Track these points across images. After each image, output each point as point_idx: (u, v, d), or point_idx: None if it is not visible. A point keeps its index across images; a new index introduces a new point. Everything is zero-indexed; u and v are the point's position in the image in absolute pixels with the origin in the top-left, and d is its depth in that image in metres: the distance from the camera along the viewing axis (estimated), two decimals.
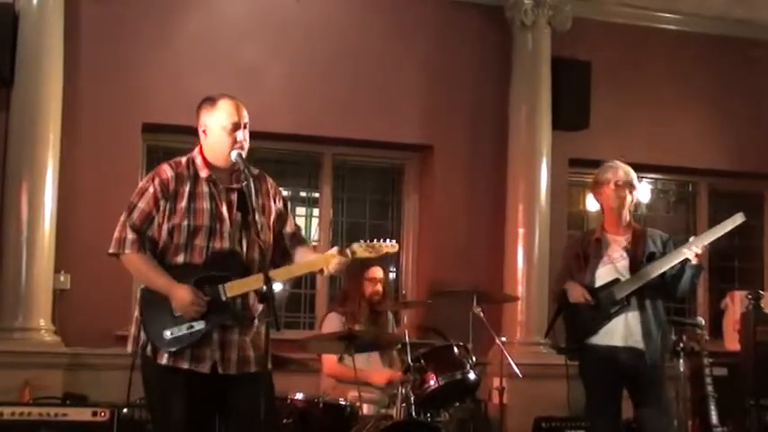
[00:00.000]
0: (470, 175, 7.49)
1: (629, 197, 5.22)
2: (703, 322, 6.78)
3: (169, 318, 3.75)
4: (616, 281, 5.10)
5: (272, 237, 3.95)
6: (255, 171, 3.95)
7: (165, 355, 3.75)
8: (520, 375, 5.87)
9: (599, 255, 5.18)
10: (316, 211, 7.55)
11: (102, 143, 6.67)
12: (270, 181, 4.04)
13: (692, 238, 5.08)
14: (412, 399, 5.23)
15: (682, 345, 6.16)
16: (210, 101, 3.92)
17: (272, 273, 3.75)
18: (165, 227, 3.81)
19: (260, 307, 3.87)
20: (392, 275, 7.54)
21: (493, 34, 7.53)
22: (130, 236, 3.81)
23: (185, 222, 3.79)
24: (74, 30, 6.62)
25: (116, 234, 3.84)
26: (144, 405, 5.59)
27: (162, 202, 3.81)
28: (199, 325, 3.75)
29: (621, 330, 5.07)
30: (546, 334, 6.00)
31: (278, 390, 4.12)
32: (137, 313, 3.87)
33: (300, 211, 7.56)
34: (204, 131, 3.90)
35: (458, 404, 5.74)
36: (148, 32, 6.83)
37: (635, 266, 5.10)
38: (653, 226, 5.54)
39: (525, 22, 7.35)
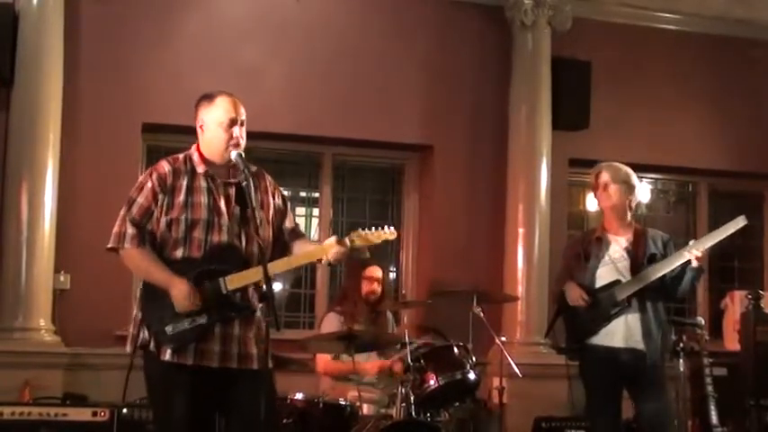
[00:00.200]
0: (470, 175, 7.49)
1: (628, 197, 5.21)
2: (703, 322, 6.78)
3: (171, 312, 3.76)
4: (617, 282, 5.10)
5: (271, 232, 3.96)
6: (254, 168, 3.97)
7: (169, 351, 3.76)
8: (520, 375, 5.87)
9: (600, 255, 5.18)
10: (316, 211, 7.55)
11: (102, 143, 6.67)
12: (268, 178, 4.05)
13: (691, 242, 5.07)
14: (412, 399, 5.23)
15: (682, 345, 6.17)
16: (208, 97, 3.95)
17: (272, 264, 3.77)
18: (163, 220, 3.83)
19: (260, 306, 3.88)
20: (392, 275, 7.55)
21: (493, 34, 7.53)
22: (130, 230, 3.82)
23: (183, 216, 3.81)
24: (74, 30, 6.62)
25: (115, 229, 3.86)
26: (144, 405, 5.60)
27: (160, 197, 3.83)
28: (201, 319, 3.76)
29: (622, 331, 5.07)
30: (546, 334, 6.01)
31: (278, 390, 4.12)
32: (135, 313, 3.88)
33: (300, 211, 7.56)
34: (201, 127, 3.93)
35: (458, 404, 5.75)
36: (148, 32, 6.83)
37: (636, 267, 5.09)
38: (653, 226, 5.54)
39: (525, 22, 7.35)
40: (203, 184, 3.87)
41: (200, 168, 3.89)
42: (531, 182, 7.31)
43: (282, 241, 4.03)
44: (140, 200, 3.84)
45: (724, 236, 5.06)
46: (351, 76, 7.23)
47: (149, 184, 3.85)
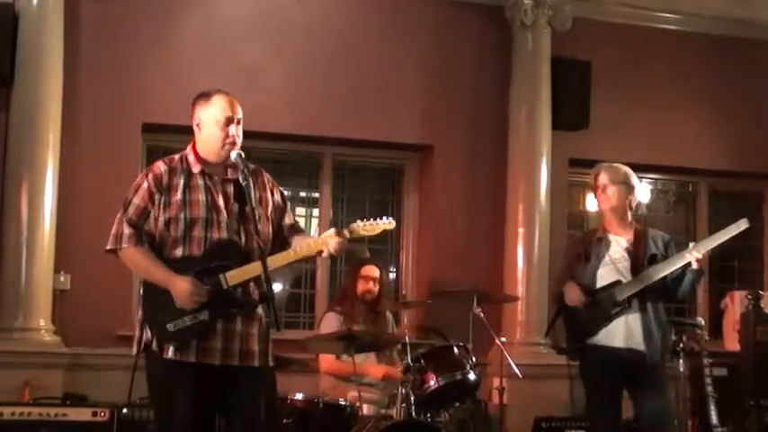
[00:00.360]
0: (470, 175, 7.49)
1: (628, 198, 5.20)
2: (703, 322, 6.79)
3: (171, 310, 3.76)
4: (617, 282, 5.09)
5: (270, 229, 3.96)
6: (252, 166, 3.97)
7: (171, 349, 3.76)
8: (520, 375, 5.86)
9: (600, 255, 5.17)
10: (316, 211, 7.55)
11: (102, 143, 6.67)
12: (266, 175, 4.06)
13: (692, 244, 5.06)
14: (412, 399, 5.23)
15: (682, 345, 6.17)
16: (205, 95, 3.96)
17: (271, 259, 3.78)
18: (161, 219, 3.83)
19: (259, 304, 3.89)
20: (392, 275, 7.55)
21: (493, 34, 7.53)
22: (127, 230, 3.83)
23: (182, 215, 3.81)
24: (74, 30, 6.62)
25: (113, 230, 3.87)
26: (144, 405, 5.60)
27: (157, 196, 3.84)
28: (202, 315, 3.76)
29: (622, 331, 5.06)
30: (546, 333, 6.01)
31: (278, 390, 4.12)
32: (139, 314, 3.88)
33: (300, 211, 7.56)
34: (198, 125, 3.93)
35: (458, 404, 5.75)
36: (148, 32, 6.83)
37: (636, 268, 5.08)
38: (653, 226, 5.54)
39: (525, 22, 7.35)
40: (200, 182, 3.87)
41: (196, 168, 3.90)
42: (531, 182, 7.31)
43: (282, 238, 4.03)
44: (136, 200, 3.85)
45: (725, 238, 5.04)
46: (351, 76, 7.23)
47: (145, 185, 3.86)
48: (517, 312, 7.19)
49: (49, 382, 6.14)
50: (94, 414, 5.78)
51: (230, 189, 3.90)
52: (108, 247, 3.88)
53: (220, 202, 3.86)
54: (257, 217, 3.81)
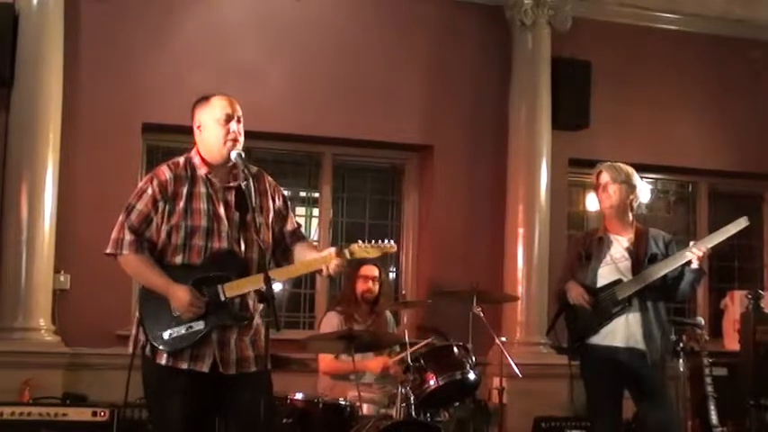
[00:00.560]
0: (470, 175, 7.49)
1: (629, 197, 5.20)
2: (703, 322, 6.79)
3: (168, 318, 3.76)
4: (618, 281, 5.09)
5: (270, 236, 3.95)
6: (254, 169, 3.96)
7: (165, 356, 3.75)
8: (519, 375, 5.87)
9: (601, 254, 5.17)
10: (316, 211, 7.55)
11: (102, 143, 6.67)
12: (269, 179, 4.04)
13: (692, 242, 5.06)
14: (412, 399, 5.24)
15: (682, 345, 6.16)
16: (205, 98, 3.96)
17: (271, 273, 3.75)
18: (164, 228, 3.81)
19: (260, 306, 3.87)
20: (392, 275, 7.55)
21: (493, 34, 7.53)
22: (128, 237, 3.81)
23: (183, 223, 3.80)
24: (74, 30, 6.61)
25: (114, 235, 3.85)
26: (144, 405, 5.60)
27: (161, 204, 3.81)
28: (198, 325, 3.75)
29: (623, 331, 5.06)
30: (547, 333, 5.99)
31: (278, 390, 4.13)
32: (137, 314, 3.88)
33: (300, 211, 7.56)
34: (198, 127, 3.92)
35: (457, 404, 5.74)
36: (148, 32, 6.83)
37: (637, 267, 5.09)
38: (653, 226, 5.53)
39: (525, 22, 7.35)
40: (203, 189, 3.85)
41: (202, 170, 3.87)
42: (531, 182, 7.31)
43: (284, 245, 4.02)
44: (140, 206, 3.82)
45: (726, 236, 5.04)
46: (351, 75, 7.23)
47: (150, 191, 3.82)
48: (517, 312, 7.19)
49: (48, 382, 6.13)
50: (94, 414, 5.79)
51: (231, 197, 3.88)
52: (108, 251, 3.86)
53: (221, 210, 3.84)
54: (258, 225, 3.79)
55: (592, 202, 7.89)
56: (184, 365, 3.74)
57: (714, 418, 6.50)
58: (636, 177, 5.24)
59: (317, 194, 7.52)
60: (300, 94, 7.11)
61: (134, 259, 3.82)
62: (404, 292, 7.19)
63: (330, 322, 6.02)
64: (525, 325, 7.19)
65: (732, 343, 7.53)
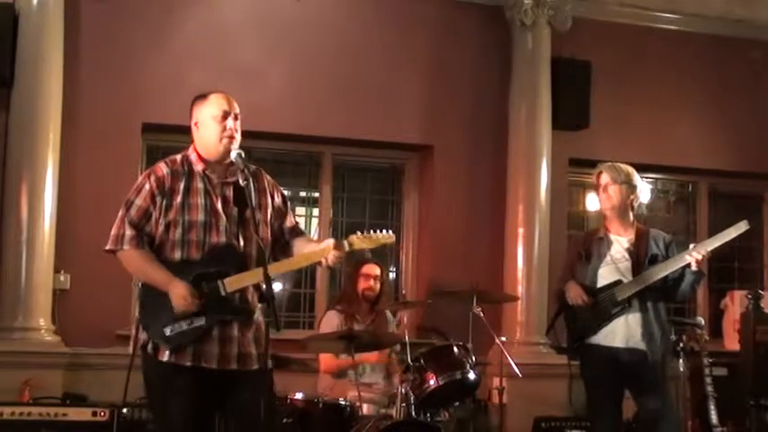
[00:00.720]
0: (470, 175, 7.49)
1: (629, 198, 5.20)
2: (703, 322, 6.79)
3: (169, 314, 3.76)
4: (618, 282, 5.09)
5: (269, 233, 3.96)
6: (252, 167, 3.96)
7: (167, 353, 3.76)
8: (519, 375, 5.87)
9: (601, 255, 5.17)
10: (316, 211, 7.55)
11: (102, 143, 6.67)
12: (267, 177, 4.06)
13: (693, 245, 5.05)
14: (412, 399, 5.24)
15: (682, 345, 6.17)
16: (202, 96, 3.99)
17: (271, 266, 3.77)
18: (161, 222, 3.83)
19: (259, 304, 3.89)
20: (392, 275, 7.55)
21: (493, 34, 7.53)
22: (129, 232, 3.83)
23: (180, 218, 3.82)
24: (74, 30, 6.61)
25: (113, 231, 3.86)
26: (144, 405, 5.60)
27: (158, 198, 3.83)
28: (199, 321, 3.76)
29: (623, 331, 5.06)
30: (547, 332, 5.99)
31: (278, 390, 4.12)
32: (137, 314, 3.88)
33: (300, 211, 7.56)
34: (196, 124, 3.95)
35: (458, 404, 5.74)
36: (148, 32, 6.82)
37: (637, 268, 5.08)
38: (653, 226, 5.53)
39: (525, 22, 7.35)
40: (200, 185, 3.87)
41: (199, 167, 3.89)
42: (531, 182, 7.31)
43: (283, 242, 4.03)
44: (138, 201, 3.84)
45: (726, 240, 5.04)
46: (351, 75, 7.22)
47: (147, 186, 3.85)
48: (517, 312, 7.19)
49: (49, 382, 6.13)
50: (94, 414, 5.79)
51: (229, 192, 3.90)
52: (108, 247, 3.88)
53: (219, 205, 3.86)
54: (257, 221, 3.80)
55: (592, 202, 7.89)
56: (188, 362, 3.74)
57: (714, 418, 6.50)
58: (636, 178, 5.23)
59: (317, 194, 7.52)
60: (300, 94, 7.11)
61: (135, 254, 3.84)
62: (404, 292, 7.19)
63: (330, 321, 6.03)
64: (525, 325, 7.19)
65: (732, 343, 7.53)
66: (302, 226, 4.36)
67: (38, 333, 6.30)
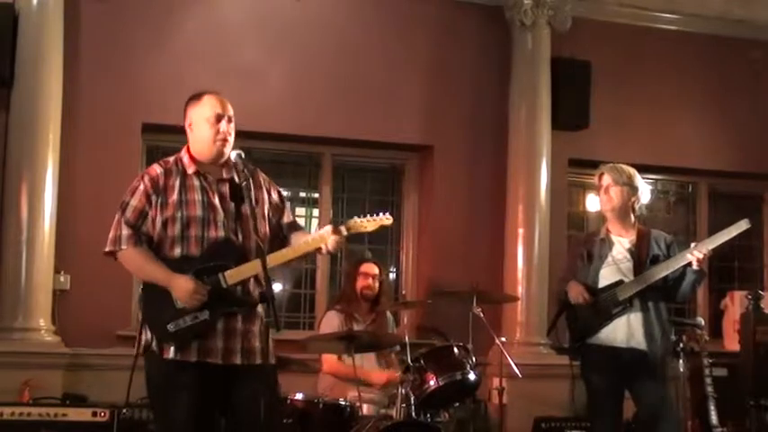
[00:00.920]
0: (470, 175, 7.49)
1: (631, 199, 5.19)
2: (703, 322, 6.78)
3: (172, 311, 3.77)
4: (619, 282, 5.09)
5: (267, 228, 3.98)
6: (250, 167, 3.99)
7: (172, 350, 3.76)
8: (519, 375, 5.87)
9: (603, 255, 5.17)
10: (315, 212, 7.55)
11: (102, 143, 6.67)
12: (262, 175, 4.09)
13: (693, 244, 5.05)
14: (412, 399, 5.23)
15: (682, 345, 6.17)
16: (196, 96, 4.01)
17: (269, 257, 3.79)
18: (158, 220, 3.85)
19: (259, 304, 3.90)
20: (392, 275, 7.55)
21: (493, 34, 7.53)
22: (126, 232, 3.85)
23: (178, 214, 3.84)
24: (74, 30, 6.61)
25: (111, 233, 3.89)
26: (144, 405, 5.60)
27: (153, 197, 3.87)
28: (203, 315, 3.77)
29: (624, 331, 5.06)
30: (548, 333, 5.99)
31: (278, 389, 4.11)
32: (140, 316, 3.89)
33: (300, 211, 7.56)
34: (190, 126, 3.98)
35: (458, 404, 5.74)
36: (148, 32, 6.82)
37: (639, 269, 5.08)
38: (653, 226, 5.53)
39: (525, 23, 7.35)
40: (196, 182, 3.90)
41: (191, 169, 3.93)
42: (530, 182, 7.31)
43: (281, 237, 4.05)
44: (134, 202, 3.87)
45: (727, 238, 5.04)
46: (351, 75, 7.22)
47: (141, 187, 3.89)
48: (517, 312, 7.19)
49: (48, 383, 6.13)
50: (94, 414, 5.78)
51: (226, 189, 3.93)
52: (107, 249, 3.90)
53: (216, 201, 3.89)
54: (255, 216, 3.81)
55: (592, 203, 7.89)
56: (193, 358, 3.75)
57: (714, 418, 6.50)
58: (638, 179, 5.22)
59: (316, 195, 7.52)
60: (300, 94, 7.11)
61: (134, 253, 3.85)
62: (404, 292, 7.19)
63: (330, 321, 6.02)
64: (525, 325, 7.19)
65: (732, 343, 7.53)
66: (301, 224, 4.38)
67: (38, 333, 6.30)
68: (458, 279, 6.81)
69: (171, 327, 3.76)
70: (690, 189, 8.39)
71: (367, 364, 5.82)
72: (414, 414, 5.22)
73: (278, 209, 4.07)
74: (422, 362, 5.36)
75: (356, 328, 5.80)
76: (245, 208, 3.84)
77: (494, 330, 6.08)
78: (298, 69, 7.11)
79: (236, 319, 3.83)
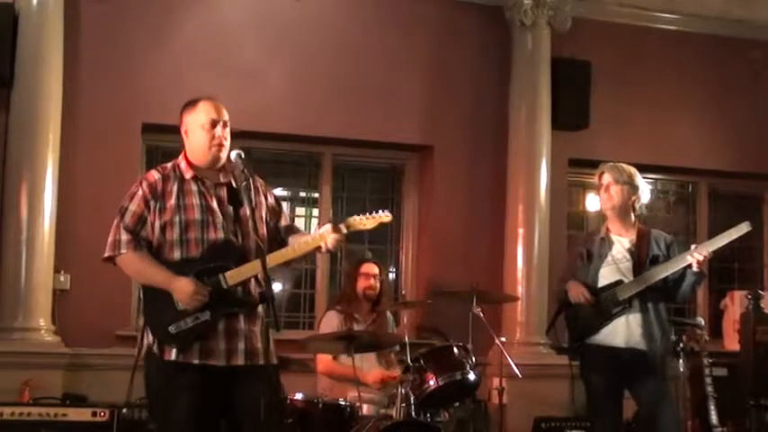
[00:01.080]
0: (470, 175, 7.49)
1: (631, 198, 5.19)
2: (703, 322, 6.79)
3: (173, 313, 3.78)
4: (619, 282, 5.09)
5: (265, 230, 3.99)
6: (250, 168, 4.00)
7: (174, 351, 3.77)
8: (519, 375, 5.87)
9: (603, 255, 5.17)
10: (315, 212, 7.55)
11: (102, 143, 6.67)
12: (259, 179, 4.10)
13: (694, 246, 5.04)
14: (412, 399, 5.23)
15: (682, 345, 6.17)
16: (192, 102, 4.03)
17: (270, 257, 3.80)
18: (157, 224, 3.87)
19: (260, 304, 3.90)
20: (392, 275, 7.55)
21: (493, 34, 7.53)
22: (125, 236, 3.86)
23: (177, 218, 3.86)
24: (74, 30, 6.61)
25: (110, 238, 3.91)
26: (144, 405, 5.60)
27: (152, 203, 3.89)
28: (204, 316, 3.78)
29: (623, 331, 5.06)
30: (547, 332, 5.98)
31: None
32: (141, 320, 3.90)
33: (300, 211, 7.56)
34: (186, 132, 4.01)
35: (458, 404, 5.74)
36: (148, 32, 6.82)
37: (638, 269, 5.08)
38: (653, 226, 5.53)
39: (525, 23, 7.35)
40: (194, 187, 3.93)
41: (189, 174, 3.95)
42: (530, 182, 7.31)
43: (279, 240, 4.06)
44: (132, 207, 3.90)
45: (727, 241, 5.03)
46: (351, 75, 7.22)
47: (140, 192, 3.91)
48: (517, 312, 7.19)
49: (48, 383, 6.13)
50: (94, 414, 5.79)
51: (223, 193, 3.95)
52: (106, 255, 3.92)
53: (214, 204, 3.91)
54: (254, 218, 3.82)
55: (592, 202, 7.89)
56: (195, 360, 3.76)
57: (714, 418, 6.50)
58: (638, 178, 5.22)
59: (316, 194, 7.52)
60: (300, 94, 7.11)
61: (133, 257, 3.87)
62: (404, 292, 7.19)
63: (330, 321, 6.02)
64: (525, 325, 7.19)
65: (732, 343, 7.53)
66: (302, 226, 4.39)
67: (38, 333, 6.30)
68: (458, 279, 6.81)
69: (172, 328, 3.77)
70: (690, 189, 8.39)
71: (367, 364, 5.82)
72: (414, 414, 5.22)
73: (275, 212, 4.09)
74: (422, 362, 5.36)
75: (356, 328, 5.80)
76: (244, 210, 3.86)
77: (494, 330, 6.08)
78: (298, 69, 7.11)
79: (238, 319, 3.84)
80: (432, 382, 5.29)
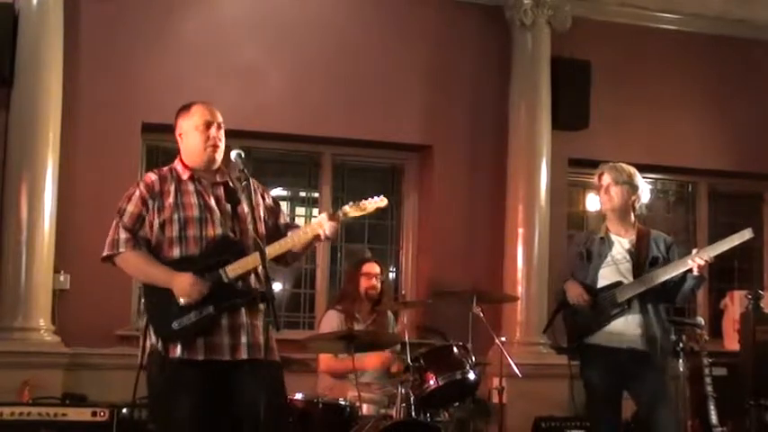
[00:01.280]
0: (470, 175, 7.49)
1: (631, 198, 5.19)
2: (703, 322, 6.78)
3: (175, 309, 3.80)
4: (619, 283, 5.08)
5: (263, 227, 4.02)
6: (249, 167, 4.03)
7: (179, 348, 3.78)
8: (519, 375, 5.87)
9: (602, 255, 5.16)
10: (316, 212, 7.54)
11: (102, 143, 6.67)
12: (254, 181, 4.10)
13: (694, 251, 5.03)
14: (412, 399, 5.23)
15: (682, 345, 6.16)
16: (186, 107, 4.12)
17: (269, 248, 3.85)
18: (156, 223, 3.91)
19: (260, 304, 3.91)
20: (392, 275, 7.55)
21: (493, 34, 7.53)
22: (123, 235, 3.90)
23: (176, 215, 3.90)
24: (74, 29, 6.61)
25: (109, 238, 3.94)
26: (144, 405, 5.59)
27: (150, 202, 3.93)
28: (207, 310, 3.80)
29: (623, 332, 5.06)
30: (545, 330, 5.97)
31: None
32: (143, 321, 3.91)
33: (300, 211, 7.56)
34: (180, 135, 4.08)
35: (458, 404, 5.74)
36: (148, 32, 6.82)
37: (638, 270, 5.07)
38: (653, 226, 5.53)
39: (525, 22, 7.35)
40: (191, 187, 3.98)
41: (186, 174, 4.00)
42: (530, 182, 7.30)
43: (278, 236, 4.07)
44: (130, 208, 3.94)
45: (729, 247, 5.01)
46: (351, 75, 7.23)
47: (137, 193, 3.96)
48: (517, 312, 7.19)
49: (48, 382, 6.13)
50: (94, 414, 5.79)
51: (221, 192, 4.01)
52: (105, 254, 3.95)
53: (212, 203, 3.96)
54: (253, 216, 3.84)
55: (592, 202, 7.89)
56: (200, 356, 3.77)
57: (714, 418, 6.50)
58: (638, 179, 5.21)
59: (316, 194, 7.52)
60: (300, 94, 7.11)
61: (132, 256, 3.90)
62: (404, 292, 7.19)
63: (330, 321, 6.02)
64: (525, 325, 7.19)
65: (732, 343, 7.53)
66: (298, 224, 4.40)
67: (38, 333, 6.30)
68: (458, 279, 6.82)
69: (175, 325, 3.79)
70: (689, 189, 8.39)
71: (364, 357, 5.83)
72: (413, 414, 5.22)
73: (273, 211, 4.14)
74: (422, 361, 5.36)
75: (357, 327, 5.80)
76: (242, 208, 3.91)
77: (493, 330, 6.08)
78: (298, 69, 7.11)
79: (241, 313, 3.86)
80: (432, 382, 5.28)
